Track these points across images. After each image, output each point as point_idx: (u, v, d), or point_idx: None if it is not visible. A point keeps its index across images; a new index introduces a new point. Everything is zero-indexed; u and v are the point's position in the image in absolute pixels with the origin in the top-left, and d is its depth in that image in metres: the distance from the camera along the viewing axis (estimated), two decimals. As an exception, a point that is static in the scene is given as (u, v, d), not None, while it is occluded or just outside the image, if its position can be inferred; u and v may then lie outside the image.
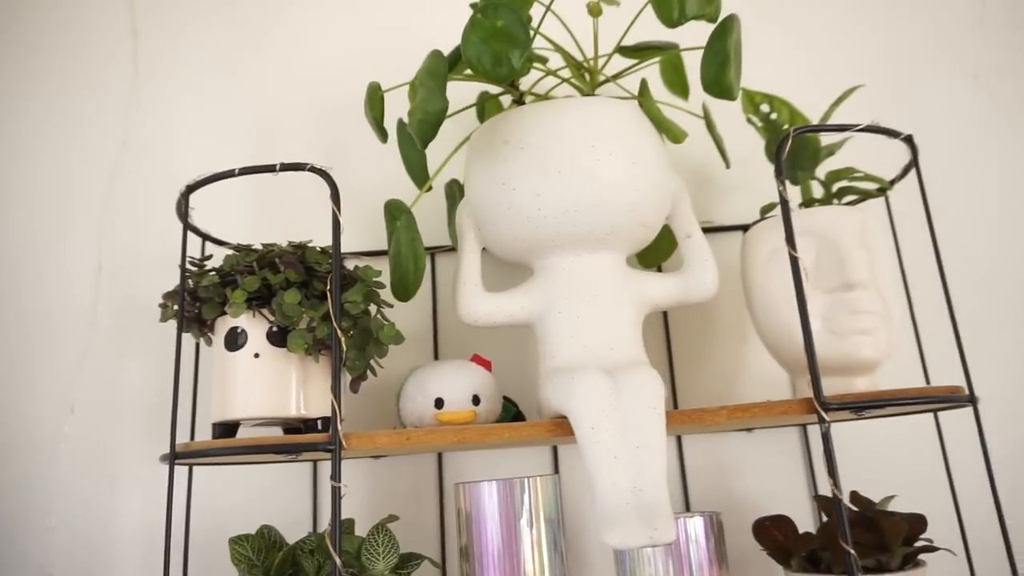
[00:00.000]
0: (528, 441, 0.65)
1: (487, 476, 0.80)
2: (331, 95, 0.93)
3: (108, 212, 0.88)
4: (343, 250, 0.83)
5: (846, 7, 0.96)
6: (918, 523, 0.63)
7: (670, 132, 0.67)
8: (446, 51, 0.63)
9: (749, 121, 0.77)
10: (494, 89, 0.78)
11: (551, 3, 0.68)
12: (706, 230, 0.82)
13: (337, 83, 0.93)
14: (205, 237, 0.76)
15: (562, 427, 0.58)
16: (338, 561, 0.54)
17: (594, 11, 0.69)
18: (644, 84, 0.68)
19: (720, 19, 0.64)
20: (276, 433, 0.68)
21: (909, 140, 0.66)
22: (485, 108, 0.82)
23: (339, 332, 0.58)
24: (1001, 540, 0.58)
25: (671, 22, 0.63)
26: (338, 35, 0.95)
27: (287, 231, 0.78)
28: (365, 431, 0.60)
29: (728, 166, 0.77)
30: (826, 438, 0.55)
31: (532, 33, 0.66)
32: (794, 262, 0.59)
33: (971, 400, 0.60)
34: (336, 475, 0.56)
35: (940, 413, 0.77)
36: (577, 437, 0.56)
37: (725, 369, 0.84)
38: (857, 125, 0.64)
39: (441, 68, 0.59)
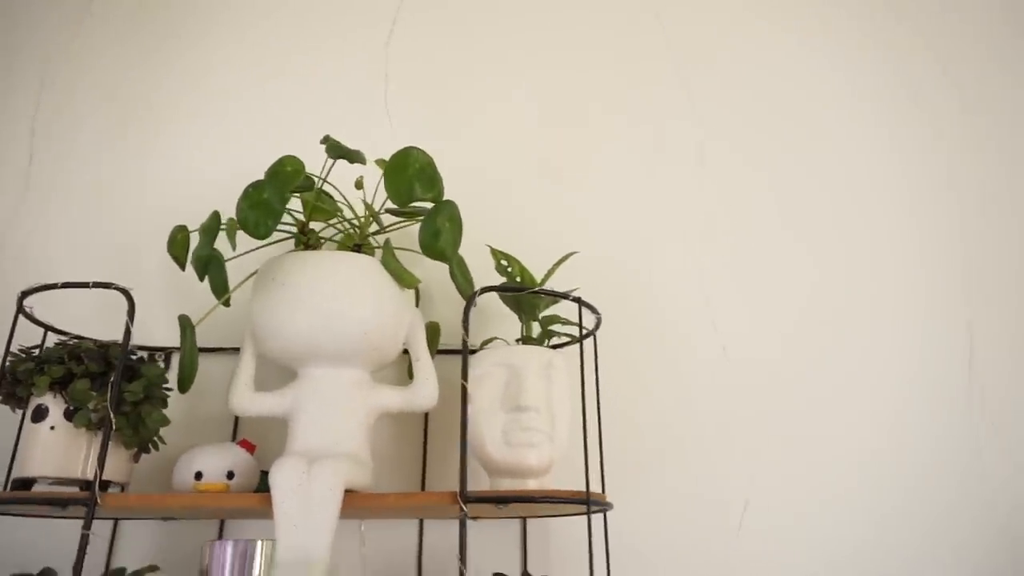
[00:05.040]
0: (251, 511, 0.82)
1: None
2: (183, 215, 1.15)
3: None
4: (161, 345, 1.03)
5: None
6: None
7: (402, 280, 0.89)
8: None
9: (497, 270, 1.00)
10: (317, 225, 1.00)
11: (326, 175, 0.90)
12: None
13: (189, 206, 1.13)
14: (47, 328, 0.95)
15: (268, 500, 0.76)
16: (75, 593, 0.71)
17: (358, 185, 0.92)
18: (387, 242, 0.90)
19: (441, 200, 0.87)
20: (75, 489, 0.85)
21: (578, 300, 0.88)
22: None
23: (111, 416, 0.77)
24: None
25: (402, 203, 0.86)
26: (195, 165, 1.18)
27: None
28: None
29: (474, 303, 0.99)
30: (462, 524, 0.74)
31: (318, 195, 0.89)
32: (464, 391, 0.80)
33: (586, 503, 0.79)
34: (87, 524, 0.73)
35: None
36: (273, 508, 0.74)
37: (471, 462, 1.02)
38: (532, 288, 0.86)
39: (213, 226, 0.80)
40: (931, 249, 1.17)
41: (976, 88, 1.27)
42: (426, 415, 1.03)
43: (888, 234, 1.18)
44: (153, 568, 0.84)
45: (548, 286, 0.94)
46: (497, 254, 0.99)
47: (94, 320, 1.04)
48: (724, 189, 1.19)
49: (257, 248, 0.93)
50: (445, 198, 0.87)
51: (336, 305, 0.84)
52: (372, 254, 0.92)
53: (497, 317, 1.06)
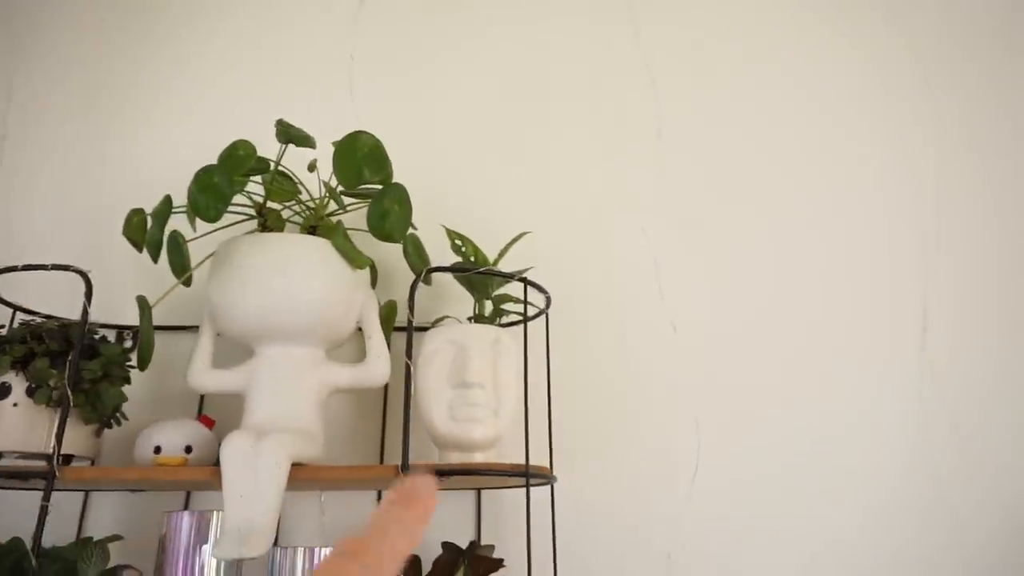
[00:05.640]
0: (206, 483, 0.86)
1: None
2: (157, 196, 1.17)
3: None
4: (133, 323, 1.06)
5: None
6: (492, 563, 0.85)
7: (354, 261, 0.91)
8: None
9: (452, 249, 1.02)
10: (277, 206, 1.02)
11: (280, 158, 0.93)
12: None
13: (162, 187, 1.17)
14: (15, 308, 0.99)
15: (218, 473, 0.80)
16: (33, 561, 0.75)
17: (311, 168, 0.94)
18: (339, 223, 0.93)
19: (390, 183, 0.89)
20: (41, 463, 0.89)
21: (523, 280, 0.91)
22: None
23: (69, 393, 0.80)
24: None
25: (350, 186, 0.88)
26: (167, 147, 1.21)
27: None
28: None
29: (428, 283, 1.01)
30: (403, 494, 0.77)
31: (273, 180, 0.91)
32: (407, 368, 0.83)
33: (526, 475, 0.82)
34: (47, 496, 0.77)
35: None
36: (222, 480, 0.78)
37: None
38: (478, 268, 0.89)
39: (164, 211, 0.83)
40: (896, 225, 1.19)
41: (944, 71, 1.28)
42: (385, 390, 1.06)
43: (849, 214, 1.19)
44: (116, 537, 0.88)
45: (502, 265, 0.96)
46: (452, 234, 1.01)
47: (73, 299, 1.06)
48: (682, 168, 1.20)
49: (221, 228, 0.96)
50: (395, 180, 0.90)
51: (287, 286, 0.87)
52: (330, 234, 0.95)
53: (453, 296, 1.08)
